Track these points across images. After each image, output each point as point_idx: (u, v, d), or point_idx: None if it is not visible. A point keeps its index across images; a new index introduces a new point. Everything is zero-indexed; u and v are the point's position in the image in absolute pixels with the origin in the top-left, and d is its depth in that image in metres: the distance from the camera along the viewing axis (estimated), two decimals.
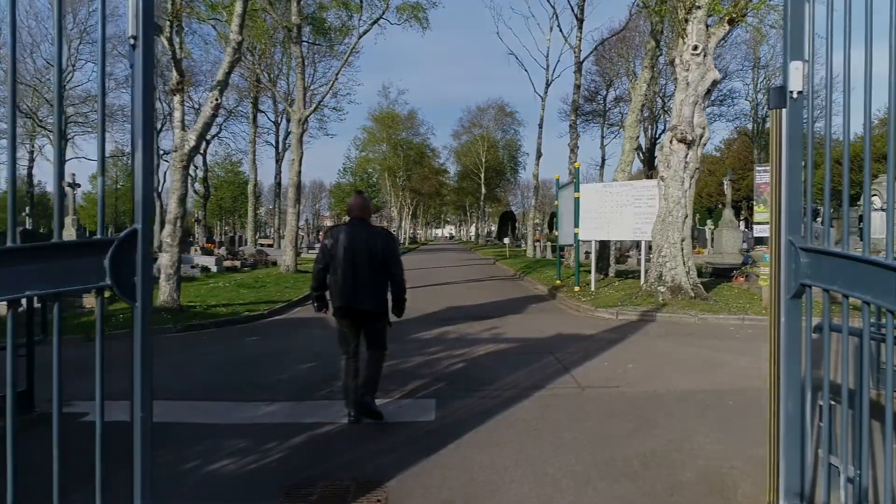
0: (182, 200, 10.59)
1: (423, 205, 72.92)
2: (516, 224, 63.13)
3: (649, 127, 28.16)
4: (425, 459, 3.55)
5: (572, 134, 18.57)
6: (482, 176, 48.03)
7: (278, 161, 29.99)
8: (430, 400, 4.83)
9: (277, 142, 30.38)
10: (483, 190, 48.75)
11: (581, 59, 19.19)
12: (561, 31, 32.74)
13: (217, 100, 10.34)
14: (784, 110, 2.43)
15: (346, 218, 4.36)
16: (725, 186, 22.27)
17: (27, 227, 23.71)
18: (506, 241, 42.72)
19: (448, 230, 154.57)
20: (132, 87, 2.01)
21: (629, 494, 3.09)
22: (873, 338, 2.21)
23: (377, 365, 4.29)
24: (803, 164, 2.41)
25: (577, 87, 19.09)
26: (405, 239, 60.16)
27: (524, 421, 4.33)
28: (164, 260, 10.02)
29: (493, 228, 77.73)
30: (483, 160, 47.34)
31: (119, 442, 2.01)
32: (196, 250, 22.14)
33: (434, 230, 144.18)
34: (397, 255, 4.29)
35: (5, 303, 1.75)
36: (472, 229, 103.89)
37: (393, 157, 42.82)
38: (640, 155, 27.19)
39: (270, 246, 29.99)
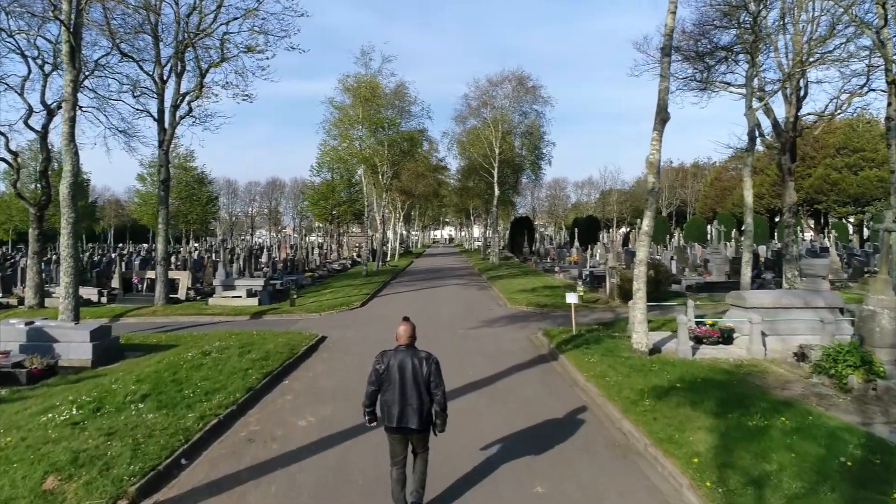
0: None
1: (418, 206, 67.16)
2: (534, 234, 57.16)
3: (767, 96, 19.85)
4: None
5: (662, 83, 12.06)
6: (495, 174, 41.77)
7: (162, 145, 21.33)
8: None
9: (162, 113, 21.42)
10: (496, 191, 42.55)
11: None
12: None
13: None
14: None
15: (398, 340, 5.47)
16: None
17: None
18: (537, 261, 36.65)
19: (447, 231, 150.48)
20: None
21: None
22: None
23: (424, 463, 5.65)
24: None
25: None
26: (394, 250, 54.26)
27: None
28: None
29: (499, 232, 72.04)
30: (497, 152, 40.91)
31: None
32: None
33: (432, 231, 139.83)
34: (440, 378, 5.34)
35: None
36: (475, 231, 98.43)
37: (373, 144, 34.95)
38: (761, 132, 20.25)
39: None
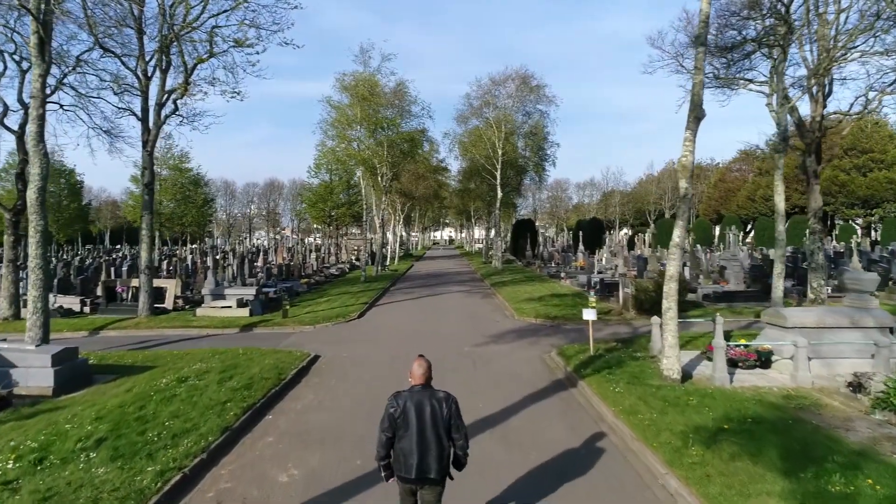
0: None
1: (418, 208, 65.77)
2: (537, 236, 55.69)
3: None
4: None
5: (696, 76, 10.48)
6: (497, 175, 40.36)
7: (147, 145, 20.06)
8: None
9: (146, 111, 20.01)
10: (499, 193, 41.14)
11: None
12: None
13: None
14: None
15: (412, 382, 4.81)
16: None
17: None
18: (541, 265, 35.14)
19: (448, 233, 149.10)
20: None
21: None
22: None
23: None
24: None
25: None
26: (394, 253, 52.86)
27: None
28: None
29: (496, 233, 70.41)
30: (500, 153, 39.50)
31: None
32: None
33: (432, 233, 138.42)
34: (461, 420, 4.79)
35: None
36: (476, 233, 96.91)
37: (372, 145, 33.50)
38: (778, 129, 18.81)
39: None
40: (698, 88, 10.21)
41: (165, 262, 37.62)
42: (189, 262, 36.73)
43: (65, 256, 54.34)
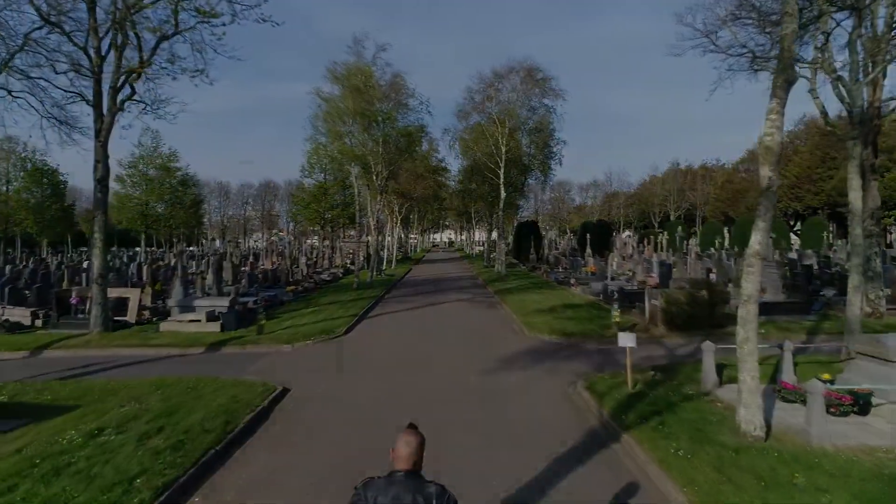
0: None
1: (417, 209, 63.00)
2: (542, 239, 52.91)
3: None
4: None
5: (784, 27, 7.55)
6: (501, 174, 37.55)
7: (100, 135, 16.99)
8: None
9: (99, 95, 17.03)
10: (502, 193, 38.32)
11: None
12: None
13: None
14: None
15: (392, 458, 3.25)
16: None
17: None
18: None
19: (448, 235, 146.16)
20: None
21: None
22: None
23: None
24: None
25: None
26: (391, 256, 50.11)
27: None
28: None
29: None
30: (503, 150, 36.68)
31: None
32: None
33: (432, 235, 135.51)
34: None
35: None
36: (477, 235, 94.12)
37: (366, 140, 30.82)
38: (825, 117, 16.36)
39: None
40: (789, 42, 7.44)
41: (146, 267, 34.92)
42: (169, 267, 33.97)
43: (47, 259, 51.54)
